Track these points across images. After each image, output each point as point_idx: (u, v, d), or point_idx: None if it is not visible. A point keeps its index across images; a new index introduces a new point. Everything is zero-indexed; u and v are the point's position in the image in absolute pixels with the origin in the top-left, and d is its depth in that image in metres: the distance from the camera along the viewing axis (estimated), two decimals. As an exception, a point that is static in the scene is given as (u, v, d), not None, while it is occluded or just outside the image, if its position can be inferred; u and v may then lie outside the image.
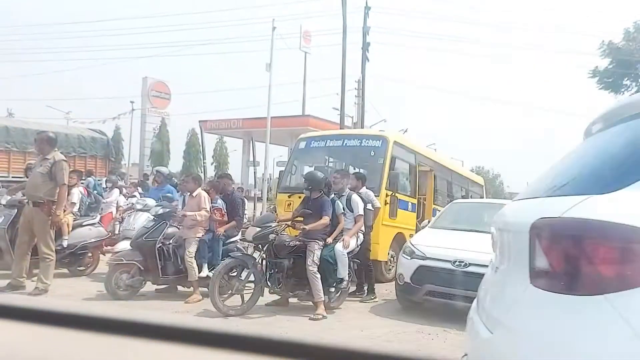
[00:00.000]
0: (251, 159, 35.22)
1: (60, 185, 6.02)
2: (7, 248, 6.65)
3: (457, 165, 13.73)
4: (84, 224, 7.53)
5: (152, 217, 6.68)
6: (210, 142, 34.84)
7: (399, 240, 8.63)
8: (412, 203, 9.28)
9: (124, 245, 6.86)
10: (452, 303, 5.80)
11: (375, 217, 7.41)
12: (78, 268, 7.50)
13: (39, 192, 6.00)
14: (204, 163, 19.97)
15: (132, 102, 33.12)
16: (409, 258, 6.12)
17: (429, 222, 7.51)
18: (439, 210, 9.35)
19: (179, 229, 6.50)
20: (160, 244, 6.11)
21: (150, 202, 7.72)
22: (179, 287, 6.51)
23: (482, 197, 13.56)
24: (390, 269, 8.62)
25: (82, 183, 10.33)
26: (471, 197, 12.34)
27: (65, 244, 7.11)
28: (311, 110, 32.98)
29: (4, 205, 7.01)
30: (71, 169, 8.51)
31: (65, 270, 7.32)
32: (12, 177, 18.76)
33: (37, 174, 6.16)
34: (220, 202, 6.71)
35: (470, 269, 5.69)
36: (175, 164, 34.34)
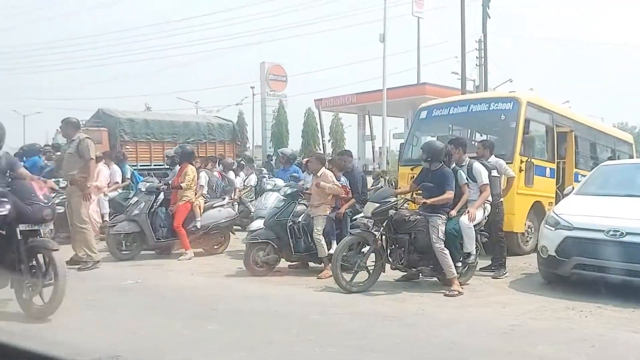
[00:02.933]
0: (367, 133, 35.31)
1: (87, 161, 6.52)
2: (149, 231, 7.29)
3: (599, 123, 12.29)
4: (215, 205, 7.98)
5: (281, 197, 6.94)
6: (326, 119, 35.26)
7: (537, 210, 7.96)
8: (550, 168, 8.48)
9: (258, 224, 7.17)
10: (605, 277, 5.22)
11: (510, 187, 6.87)
12: (214, 247, 8.00)
13: (72, 171, 6.56)
14: (322, 141, 20.19)
15: (252, 87, 34.79)
16: (553, 229, 5.58)
17: (572, 188, 6.79)
18: (582, 175, 8.46)
19: (306, 207, 6.61)
20: (291, 223, 6.27)
21: (279, 182, 7.96)
22: (311, 264, 6.65)
23: (631, 157, 12.02)
24: (527, 241, 8.00)
25: (217, 168, 11.03)
26: (619, 158, 10.98)
27: (198, 225, 7.61)
28: (427, 78, 31.84)
29: (143, 191, 7.64)
30: (202, 155, 9.13)
31: (201, 250, 7.87)
32: (154, 165, 20.70)
33: (67, 155, 6.73)
34: (343, 179, 6.68)
35: (627, 238, 5.07)
36: (294, 144, 35.47)
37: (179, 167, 7.86)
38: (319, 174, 6.42)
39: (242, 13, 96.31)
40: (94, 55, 76.59)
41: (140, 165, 20.37)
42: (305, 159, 12.13)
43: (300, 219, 6.38)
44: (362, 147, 36.61)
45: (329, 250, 6.19)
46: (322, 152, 22.94)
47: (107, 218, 8.30)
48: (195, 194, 7.66)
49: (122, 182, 9.24)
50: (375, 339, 3.77)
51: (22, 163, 10.75)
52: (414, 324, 4.22)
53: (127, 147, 20.60)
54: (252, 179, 11.28)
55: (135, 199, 7.46)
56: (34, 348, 1.02)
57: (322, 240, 6.18)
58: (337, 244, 6.21)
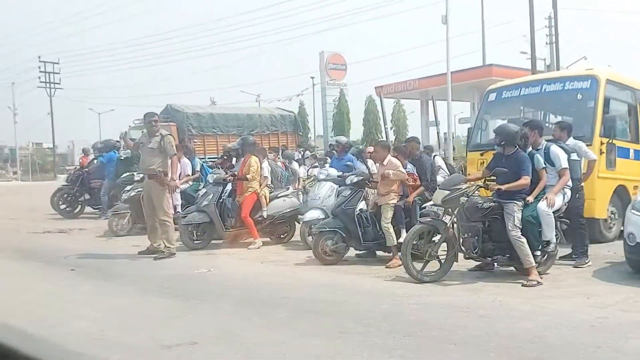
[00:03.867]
0: (431, 119, 34.45)
1: (171, 157, 6.82)
2: (218, 221, 7.46)
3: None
4: (279, 195, 8.05)
5: (335, 187, 7.11)
6: (388, 106, 34.70)
7: (620, 194, 7.43)
8: (634, 150, 7.87)
9: (312, 215, 7.17)
10: None
11: (591, 170, 6.44)
12: (280, 236, 8.08)
13: (152, 165, 6.77)
14: (385, 129, 19.93)
15: (312, 77, 34.89)
16: (642, 214, 5.17)
17: (662, 170, 6.27)
18: (672, 156, 7.80)
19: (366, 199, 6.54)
20: (359, 211, 6.20)
21: (333, 171, 7.93)
22: (378, 252, 6.57)
23: None
24: (611, 228, 7.50)
25: (280, 158, 11.15)
26: None
27: (265, 214, 7.71)
28: (493, 59, 30.57)
29: (211, 183, 7.80)
30: (265, 146, 9.25)
31: (268, 239, 7.97)
32: (221, 157, 21.29)
33: (147, 150, 6.89)
34: (410, 167, 6.52)
35: None
36: (355, 133, 35.25)
37: (243, 159, 7.98)
38: (385, 163, 6.30)
39: (302, 3, 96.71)
40: (159, 53, 79.98)
41: (208, 158, 21.15)
42: (368, 148, 12.02)
43: (368, 208, 6.31)
44: (425, 133, 35.69)
45: (397, 239, 6.07)
46: (384, 139, 22.65)
47: (179, 209, 8.59)
48: (260, 184, 7.76)
49: (193, 174, 9.52)
50: (451, 331, 3.64)
51: (100, 158, 11.45)
52: (491, 315, 4.04)
53: (194, 140, 21.39)
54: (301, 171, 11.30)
55: (204, 190, 7.66)
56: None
57: (390, 229, 6.07)
58: (407, 232, 6.09)
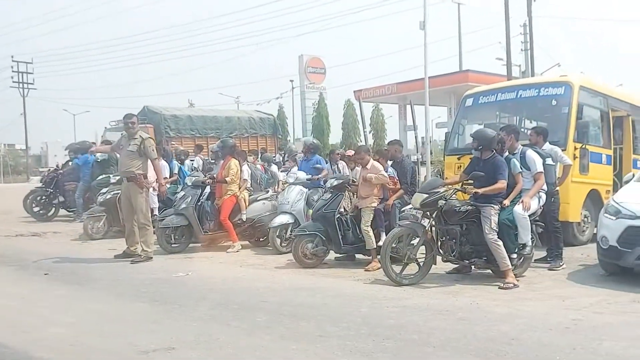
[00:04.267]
0: (409, 123, 34.72)
1: (153, 161, 6.83)
2: (196, 224, 7.37)
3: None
4: (259, 198, 8.01)
5: (305, 190, 7.21)
6: (366, 110, 34.92)
7: (593, 198, 7.60)
8: (606, 155, 8.07)
9: (281, 219, 7.16)
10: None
11: (566, 175, 6.57)
12: (259, 239, 8.03)
13: (130, 168, 6.72)
14: (365, 132, 20.02)
15: (291, 80, 34.91)
16: (614, 218, 5.30)
17: (633, 175, 6.43)
18: (643, 161, 8.03)
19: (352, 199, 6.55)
20: (339, 215, 6.21)
21: (301, 174, 7.93)
22: (358, 255, 6.58)
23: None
24: (584, 231, 7.66)
25: (259, 161, 11.10)
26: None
27: (244, 218, 7.66)
28: (469, 65, 31.04)
29: (189, 185, 7.69)
30: (244, 149, 9.25)
31: (247, 242, 7.92)
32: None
33: (125, 152, 6.84)
34: (390, 170, 6.56)
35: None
36: (334, 136, 35.35)
37: (222, 161, 7.93)
38: (368, 166, 6.33)
39: (282, 6, 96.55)
40: (138, 54, 79.03)
41: (190, 159, 20.93)
42: (338, 150, 12.01)
43: (347, 211, 6.32)
44: (403, 137, 35.80)
45: (377, 242, 6.10)
46: (363, 143, 22.70)
47: (156, 212, 8.48)
48: (239, 187, 7.71)
49: (170, 177, 9.42)
50: (429, 333, 3.67)
51: (75, 160, 11.22)
52: (469, 318, 4.08)
53: (172, 142, 21.16)
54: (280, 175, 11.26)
55: (182, 193, 7.56)
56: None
57: (370, 232, 6.10)
58: (386, 235, 6.12)
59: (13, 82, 41.17)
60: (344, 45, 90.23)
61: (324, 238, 6.22)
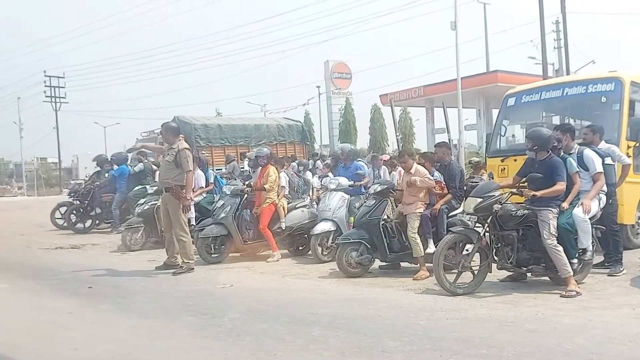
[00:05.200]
0: (437, 126, 34.34)
1: (186, 172, 6.58)
2: (236, 234, 7.26)
3: None
4: (298, 206, 7.85)
5: (347, 197, 7.04)
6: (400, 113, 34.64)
7: (648, 199, 7.23)
8: (662, 153, 7.67)
9: (323, 227, 6.98)
10: None
11: (626, 175, 6.24)
12: (299, 248, 7.88)
13: (168, 179, 6.58)
14: (397, 137, 19.72)
15: (318, 86, 34.86)
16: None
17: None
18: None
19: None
20: (383, 222, 6.01)
21: (343, 180, 7.73)
22: (403, 264, 6.36)
23: None
24: (639, 233, 7.28)
25: (290, 168, 10.98)
26: None
27: (283, 226, 7.51)
28: (496, 66, 30.50)
29: (228, 194, 7.59)
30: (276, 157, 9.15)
31: (286, 251, 7.77)
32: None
33: (164, 162, 6.74)
34: (437, 174, 6.33)
35: None
36: (362, 141, 35.07)
37: (260, 169, 7.81)
38: (412, 170, 6.11)
39: (305, 13, 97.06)
40: (164, 66, 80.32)
41: (216, 170, 20.96)
42: (383, 156, 11.84)
43: (392, 218, 6.11)
44: (431, 141, 35.59)
45: (425, 249, 5.87)
46: (395, 148, 22.38)
47: (193, 222, 8.42)
48: (278, 195, 7.57)
49: (206, 186, 9.37)
50: (500, 348, 3.43)
51: (111, 171, 11.30)
52: (538, 330, 3.82)
53: (203, 152, 21.19)
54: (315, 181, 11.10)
55: (221, 202, 7.46)
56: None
57: (417, 239, 5.87)
58: (433, 242, 5.89)
59: (46, 96, 42.18)
60: (369, 50, 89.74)
61: (369, 246, 6.02)
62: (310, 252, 7.44)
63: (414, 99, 33.23)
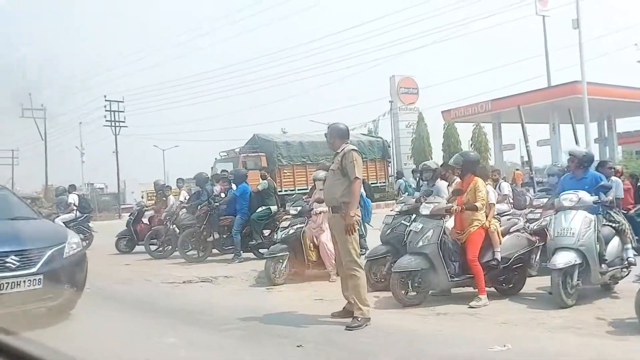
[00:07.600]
0: (504, 143, 32.24)
1: (352, 181, 4.96)
2: (443, 269, 5.55)
3: None
4: (511, 230, 6.11)
5: (592, 217, 5.37)
6: (466, 130, 32.67)
7: None
8: None
9: (565, 259, 5.20)
10: None
11: None
12: (512, 286, 6.07)
13: (334, 194, 5.08)
14: (527, 147, 17.75)
15: (390, 101, 33.26)
16: None
17: None
18: None
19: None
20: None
21: (585, 196, 5.88)
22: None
23: None
24: None
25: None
26: None
27: (498, 257, 5.75)
28: (559, 80, 28.32)
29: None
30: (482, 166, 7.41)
31: (492, 289, 5.96)
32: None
33: (330, 172, 5.29)
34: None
35: None
36: (436, 158, 33.07)
37: (458, 180, 6.16)
38: None
39: (369, 28, 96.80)
40: (224, 86, 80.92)
41: (298, 190, 19.45)
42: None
43: None
44: (499, 158, 33.33)
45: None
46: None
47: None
48: (487, 215, 5.87)
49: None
50: None
51: (231, 191, 9.91)
52: None
53: (284, 171, 19.69)
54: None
55: (420, 225, 5.79)
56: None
57: None
58: None
59: (106, 120, 42.22)
60: (436, 65, 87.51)
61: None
62: (525, 292, 5.69)
63: (479, 115, 31.26)
